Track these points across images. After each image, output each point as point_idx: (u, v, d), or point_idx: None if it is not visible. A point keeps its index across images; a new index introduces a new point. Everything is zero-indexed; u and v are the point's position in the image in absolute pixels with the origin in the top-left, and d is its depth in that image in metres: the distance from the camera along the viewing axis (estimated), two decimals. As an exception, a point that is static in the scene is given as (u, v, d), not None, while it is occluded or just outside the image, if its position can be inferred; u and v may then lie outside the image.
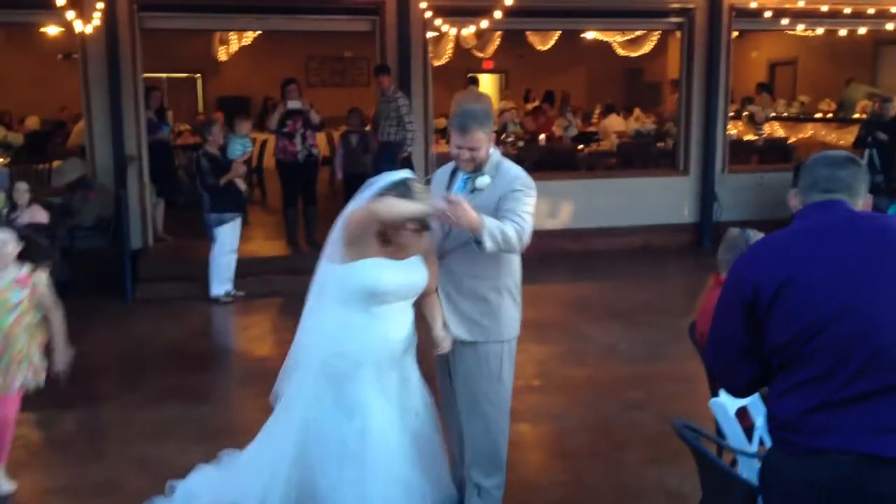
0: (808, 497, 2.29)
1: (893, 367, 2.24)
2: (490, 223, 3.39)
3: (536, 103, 15.75)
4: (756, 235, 3.91)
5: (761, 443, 3.46)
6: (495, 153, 3.73)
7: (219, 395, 5.81)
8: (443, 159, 11.40)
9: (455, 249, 3.65)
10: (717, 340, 2.56)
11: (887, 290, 2.26)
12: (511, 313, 3.75)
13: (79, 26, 8.58)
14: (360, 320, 3.51)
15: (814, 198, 2.48)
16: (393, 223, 3.42)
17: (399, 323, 3.59)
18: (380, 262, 3.46)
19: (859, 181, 2.51)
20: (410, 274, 3.53)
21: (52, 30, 13.32)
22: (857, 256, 2.32)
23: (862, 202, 2.51)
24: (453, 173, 3.81)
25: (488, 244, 3.36)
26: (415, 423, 3.66)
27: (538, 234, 11.13)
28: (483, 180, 3.64)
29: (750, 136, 12.89)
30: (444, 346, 3.68)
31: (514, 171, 3.72)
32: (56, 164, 10.38)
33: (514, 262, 3.75)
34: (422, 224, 3.47)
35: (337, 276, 3.51)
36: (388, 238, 3.47)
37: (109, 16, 8.65)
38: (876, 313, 2.25)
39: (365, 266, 3.44)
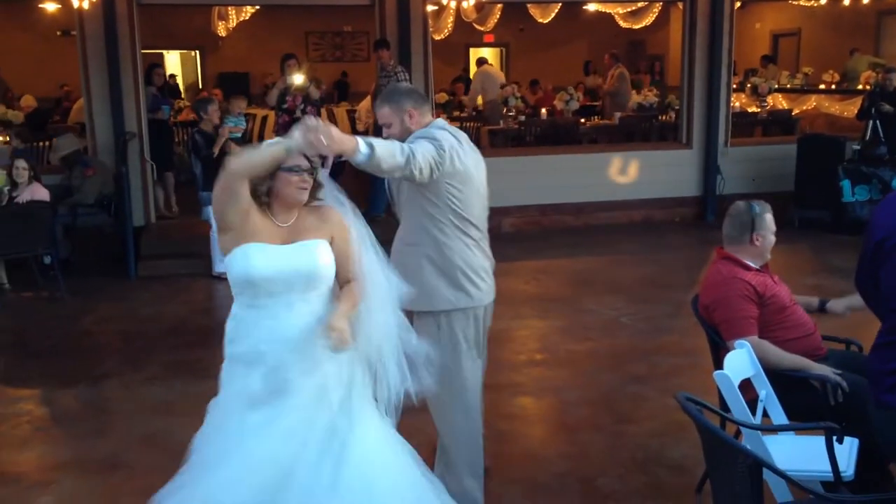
0: (883, 444, 2.69)
1: None
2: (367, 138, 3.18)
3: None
4: (763, 207, 3.89)
5: (765, 414, 3.48)
6: (429, 128, 3.54)
7: (223, 371, 5.82)
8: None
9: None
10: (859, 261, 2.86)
11: None
12: (433, 283, 3.55)
13: (76, 2, 8.52)
14: (248, 316, 3.05)
15: None
16: (258, 175, 2.96)
17: (296, 320, 2.97)
18: (254, 247, 2.94)
19: None
20: (294, 259, 2.95)
21: (50, 6, 13.25)
22: None
23: None
24: None
25: (363, 149, 3.06)
26: (335, 447, 2.98)
27: (540, 210, 10.97)
28: None
29: (753, 109, 12.83)
30: (334, 337, 2.86)
31: (422, 129, 3.55)
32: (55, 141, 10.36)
33: (441, 232, 3.54)
34: (300, 168, 2.95)
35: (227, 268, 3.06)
36: (268, 200, 3.00)
37: (107, -9, 8.59)
38: None
39: (237, 253, 2.96)
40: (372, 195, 9.07)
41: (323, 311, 2.99)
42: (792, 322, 3.78)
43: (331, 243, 3.04)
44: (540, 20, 15.94)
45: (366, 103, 13.35)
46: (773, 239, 3.86)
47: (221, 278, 8.06)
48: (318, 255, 2.99)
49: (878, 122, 9.68)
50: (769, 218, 3.86)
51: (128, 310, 7.28)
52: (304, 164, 2.96)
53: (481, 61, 15.55)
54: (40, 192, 7.70)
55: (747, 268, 3.81)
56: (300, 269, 2.96)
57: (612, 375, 5.51)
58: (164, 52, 17.65)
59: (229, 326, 3.11)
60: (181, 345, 6.33)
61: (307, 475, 2.93)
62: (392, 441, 3.11)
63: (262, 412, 2.96)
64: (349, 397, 3.05)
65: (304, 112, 9.07)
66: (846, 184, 9.43)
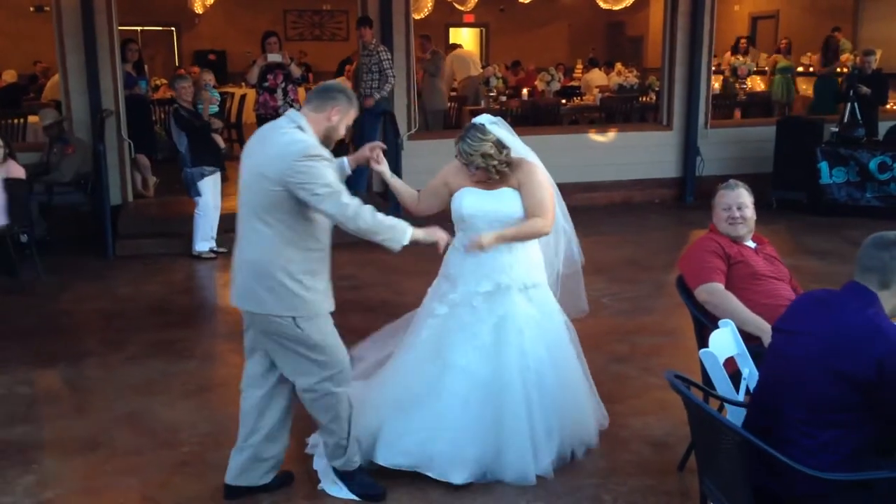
0: None
1: None
2: None
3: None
4: (725, 185, 4.16)
5: (748, 392, 3.51)
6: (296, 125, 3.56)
7: (203, 351, 5.79)
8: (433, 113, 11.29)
9: None
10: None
11: None
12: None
13: (51, -24, 8.36)
14: (459, 243, 3.91)
15: None
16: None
17: (492, 251, 3.80)
18: (467, 190, 3.89)
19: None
20: (496, 203, 3.85)
21: (22, -19, 13.04)
22: None
23: None
24: None
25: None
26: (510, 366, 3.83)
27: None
28: None
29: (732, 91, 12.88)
30: (471, 240, 3.79)
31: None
32: (31, 118, 10.24)
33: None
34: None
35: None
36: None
37: (82, -35, 8.43)
38: None
39: (455, 196, 3.93)
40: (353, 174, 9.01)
41: (522, 253, 3.92)
42: (764, 290, 3.83)
43: (519, 188, 3.86)
44: (520, 0, 15.87)
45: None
46: (721, 214, 4.06)
47: (202, 258, 8.01)
48: (511, 201, 3.84)
49: (855, 104, 9.75)
50: (720, 193, 4.11)
51: (106, 289, 7.20)
52: (463, 160, 3.82)
53: (453, 47, 15.56)
54: (16, 170, 7.57)
55: (721, 234, 4.04)
56: (499, 210, 3.84)
57: (594, 355, 5.48)
58: (139, 28, 17.43)
59: (448, 254, 3.96)
60: (160, 325, 6.28)
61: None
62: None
63: (445, 305, 3.92)
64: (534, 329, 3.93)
65: (285, 90, 9.00)
66: (824, 166, 9.50)
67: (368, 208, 3.43)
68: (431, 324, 3.93)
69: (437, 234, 3.61)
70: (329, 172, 3.42)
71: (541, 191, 3.87)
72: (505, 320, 3.85)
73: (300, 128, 3.48)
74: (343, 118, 3.59)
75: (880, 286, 2.73)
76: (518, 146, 3.92)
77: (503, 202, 3.84)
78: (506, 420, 3.77)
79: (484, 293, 3.85)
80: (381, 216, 3.46)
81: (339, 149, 4.02)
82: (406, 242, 3.47)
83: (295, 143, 3.41)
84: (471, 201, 3.86)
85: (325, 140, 3.56)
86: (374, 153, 3.90)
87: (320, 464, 3.92)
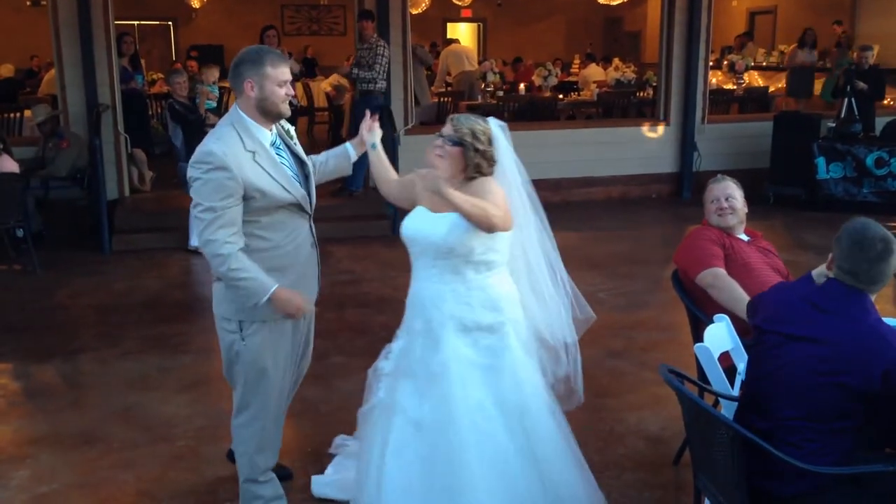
0: None
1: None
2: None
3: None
4: (714, 179, 4.18)
5: (742, 386, 3.51)
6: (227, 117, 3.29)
7: (199, 346, 5.77)
8: (424, 108, 11.32)
9: None
10: None
11: None
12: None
13: (47, -29, 8.35)
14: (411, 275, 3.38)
15: None
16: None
17: (423, 282, 3.26)
18: (418, 208, 3.30)
19: None
20: (432, 226, 3.18)
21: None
22: None
23: None
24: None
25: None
26: (429, 413, 3.21)
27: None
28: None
29: (729, 86, 12.88)
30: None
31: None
32: (28, 113, 10.21)
33: None
34: (441, 134, 3.24)
35: None
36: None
37: (78, -41, 8.41)
38: None
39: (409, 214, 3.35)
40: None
41: (461, 287, 3.18)
42: (759, 281, 3.84)
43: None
44: (518, -5, 15.88)
45: (333, 78, 13.27)
46: (710, 206, 4.10)
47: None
48: (445, 227, 3.12)
49: (852, 99, 9.75)
50: (709, 188, 4.15)
51: (102, 284, 7.20)
52: (447, 131, 3.20)
53: (449, 42, 15.66)
54: (9, 165, 7.57)
55: (713, 227, 4.07)
56: (429, 236, 3.17)
57: (590, 350, 5.46)
58: (136, 22, 17.40)
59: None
60: (156, 319, 6.27)
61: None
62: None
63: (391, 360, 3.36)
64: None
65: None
66: (821, 161, 9.50)
67: (234, 259, 3.06)
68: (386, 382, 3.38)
69: (294, 302, 3.18)
70: (208, 191, 3.05)
71: (492, 195, 3.15)
72: (446, 368, 3.18)
73: (231, 122, 3.19)
74: (264, 83, 3.14)
75: (865, 285, 2.75)
76: (507, 159, 3.34)
77: (438, 225, 3.15)
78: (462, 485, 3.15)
79: (419, 332, 3.25)
80: (244, 273, 3.07)
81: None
82: (261, 303, 3.13)
83: (199, 147, 3.14)
84: (411, 222, 3.25)
85: (266, 114, 3.20)
86: (371, 122, 3.56)
87: (340, 464, 3.94)
